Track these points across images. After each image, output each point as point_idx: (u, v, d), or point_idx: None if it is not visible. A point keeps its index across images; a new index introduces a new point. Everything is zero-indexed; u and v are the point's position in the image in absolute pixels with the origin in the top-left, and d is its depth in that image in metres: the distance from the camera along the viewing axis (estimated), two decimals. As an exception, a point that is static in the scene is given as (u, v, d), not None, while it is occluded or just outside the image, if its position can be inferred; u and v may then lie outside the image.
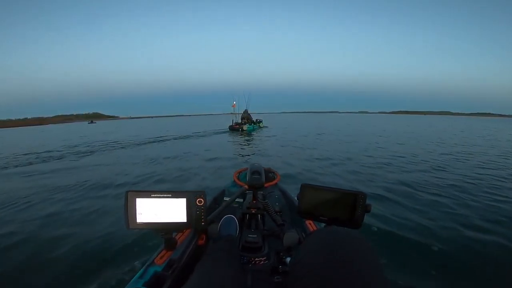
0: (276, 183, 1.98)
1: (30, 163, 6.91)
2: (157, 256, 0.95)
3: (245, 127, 16.84)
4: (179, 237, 1.08)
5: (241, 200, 1.55)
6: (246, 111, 19.47)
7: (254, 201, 1.35)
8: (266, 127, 20.38)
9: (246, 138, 12.84)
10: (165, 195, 0.90)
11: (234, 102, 19.87)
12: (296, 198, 1.03)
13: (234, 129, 17.05)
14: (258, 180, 1.37)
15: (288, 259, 0.99)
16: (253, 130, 17.76)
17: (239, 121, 18.50)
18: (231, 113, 19.71)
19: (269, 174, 2.06)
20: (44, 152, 9.09)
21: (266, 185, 1.74)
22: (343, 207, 0.92)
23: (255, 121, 19.59)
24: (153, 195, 0.90)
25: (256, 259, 1.03)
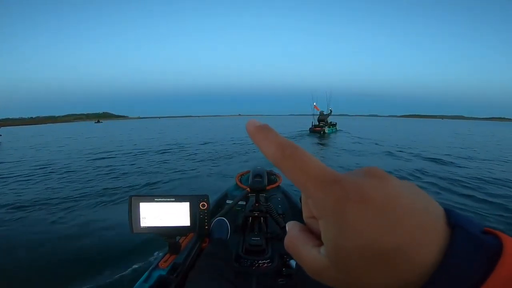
0: (278, 186, 1.96)
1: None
2: (161, 260, 0.96)
3: (326, 130, 16.23)
4: (183, 241, 1.08)
5: (244, 203, 1.54)
6: (322, 113, 18.40)
7: (257, 204, 1.34)
8: (341, 130, 19.37)
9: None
10: (169, 199, 0.91)
11: (315, 103, 18.83)
12: (299, 200, 1.03)
13: (315, 131, 16.24)
14: (260, 183, 1.37)
15: (292, 262, 0.99)
16: (332, 132, 17.25)
17: (317, 123, 17.53)
18: (312, 114, 18.49)
19: (271, 176, 2.04)
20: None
21: (268, 187, 1.73)
22: None
23: (330, 123, 18.47)
24: (157, 200, 0.90)
25: (260, 262, 1.03)
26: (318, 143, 11.90)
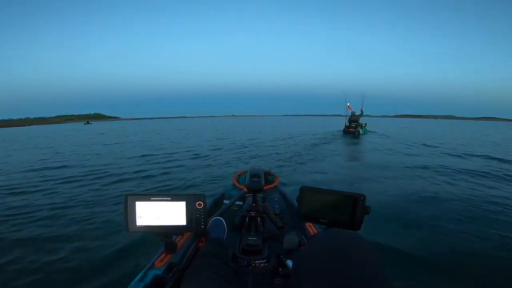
0: (275, 186, 1.98)
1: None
2: (157, 259, 0.95)
3: (361, 131, 16.06)
4: (179, 240, 1.08)
5: (241, 203, 1.54)
6: (354, 114, 17.94)
7: (254, 204, 1.34)
8: (371, 131, 18.59)
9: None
10: (165, 198, 0.91)
11: (348, 103, 18.45)
12: (296, 200, 1.04)
13: (349, 132, 15.99)
14: (258, 183, 1.37)
15: (289, 262, 0.99)
16: (364, 133, 17.03)
17: (347, 123, 17.14)
18: (346, 115, 18.00)
19: (269, 177, 2.06)
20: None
21: (265, 187, 1.75)
22: (343, 209, 0.92)
23: (361, 124, 17.82)
24: (153, 198, 0.90)
25: (256, 262, 1.03)
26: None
